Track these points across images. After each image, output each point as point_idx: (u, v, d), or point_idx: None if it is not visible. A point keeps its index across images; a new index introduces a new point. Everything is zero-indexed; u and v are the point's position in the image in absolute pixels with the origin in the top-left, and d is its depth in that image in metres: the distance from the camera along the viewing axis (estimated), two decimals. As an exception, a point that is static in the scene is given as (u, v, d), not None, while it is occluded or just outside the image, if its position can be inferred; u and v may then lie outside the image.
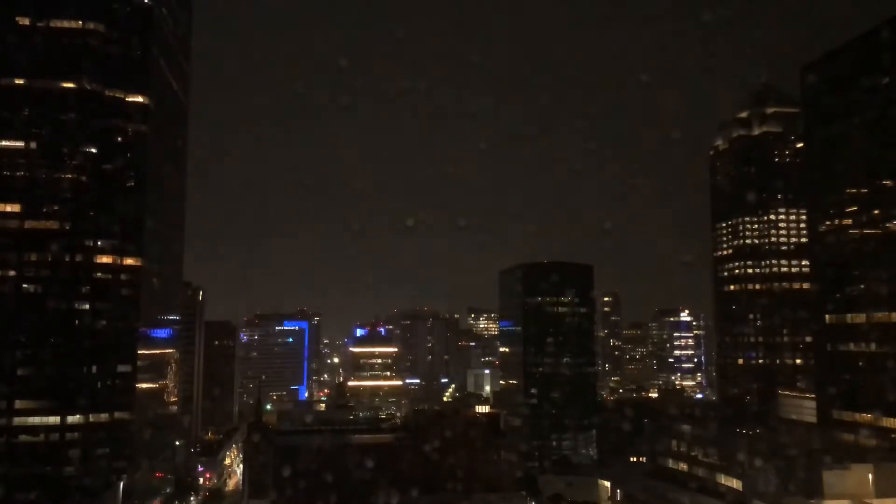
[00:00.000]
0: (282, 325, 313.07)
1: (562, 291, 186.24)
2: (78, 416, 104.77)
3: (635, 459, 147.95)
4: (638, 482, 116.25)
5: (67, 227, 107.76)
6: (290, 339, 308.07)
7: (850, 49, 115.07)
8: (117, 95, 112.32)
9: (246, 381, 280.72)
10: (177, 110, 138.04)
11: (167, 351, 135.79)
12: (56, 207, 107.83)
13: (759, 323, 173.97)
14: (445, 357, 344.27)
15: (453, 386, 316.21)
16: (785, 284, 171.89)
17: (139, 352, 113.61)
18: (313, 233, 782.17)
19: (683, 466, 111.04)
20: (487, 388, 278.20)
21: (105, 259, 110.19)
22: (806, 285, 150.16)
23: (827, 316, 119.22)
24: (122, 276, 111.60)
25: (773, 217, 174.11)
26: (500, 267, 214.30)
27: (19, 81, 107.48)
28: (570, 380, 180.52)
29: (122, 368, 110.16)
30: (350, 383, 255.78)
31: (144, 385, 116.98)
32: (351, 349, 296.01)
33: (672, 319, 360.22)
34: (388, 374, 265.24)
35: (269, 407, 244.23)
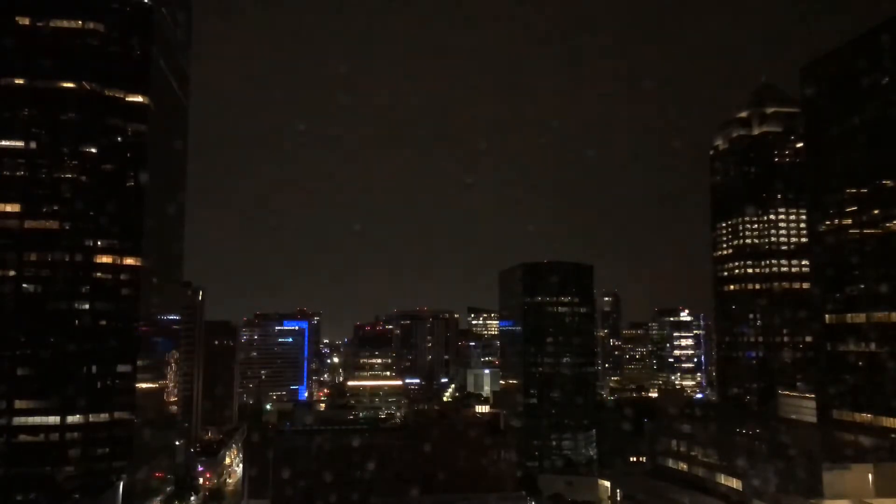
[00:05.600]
0: (282, 325, 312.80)
1: (562, 291, 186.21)
2: (78, 416, 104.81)
3: (635, 459, 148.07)
4: (638, 482, 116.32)
5: (67, 227, 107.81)
6: (290, 339, 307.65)
7: (850, 49, 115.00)
8: (117, 95, 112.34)
9: (246, 381, 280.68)
10: (177, 110, 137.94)
11: (167, 351, 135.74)
12: (56, 207, 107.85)
13: (759, 323, 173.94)
14: (445, 357, 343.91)
15: (453, 386, 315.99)
16: (785, 284, 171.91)
17: (139, 352, 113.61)
18: (313, 233, 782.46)
19: (683, 466, 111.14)
20: (487, 388, 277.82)
21: (105, 259, 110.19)
22: (806, 285, 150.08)
23: (827, 316, 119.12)
24: (122, 276, 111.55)
25: (773, 217, 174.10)
26: (500, 267, 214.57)
27: (19, 81, 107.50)
28: (570, 380, 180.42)
29: (122, 368, 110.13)
30: (350, 383, 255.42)
31: (144, 385, 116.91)
32: (351, 349, 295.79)
33: (672, 319, 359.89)
34: (388, 374, 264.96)
35: (269, 407, 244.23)
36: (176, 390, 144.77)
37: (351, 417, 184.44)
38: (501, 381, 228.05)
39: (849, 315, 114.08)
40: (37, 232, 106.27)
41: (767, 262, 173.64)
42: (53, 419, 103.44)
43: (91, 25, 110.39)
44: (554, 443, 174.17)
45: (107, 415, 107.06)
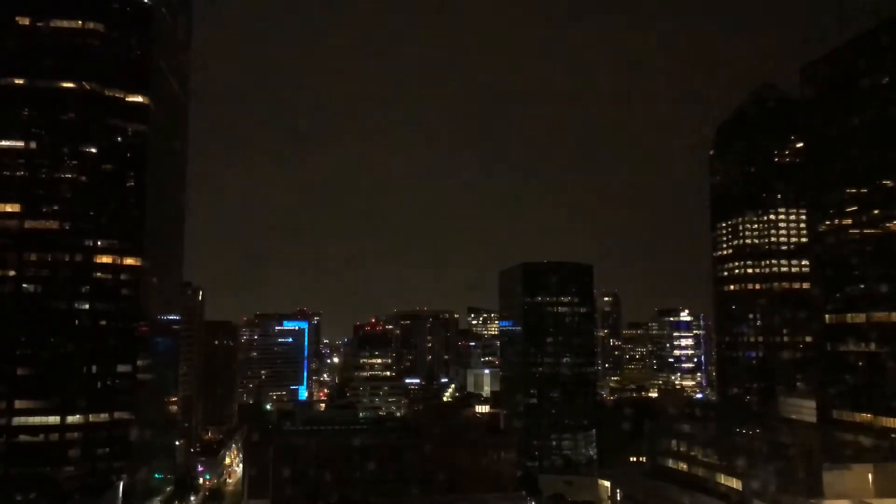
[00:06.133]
0: (282, 325, 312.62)
1: (562, 291, 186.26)
2: (78, 416, 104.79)
3: (635, 459, 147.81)
4: (638, 482, 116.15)
5: (67, 227, 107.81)
6: (290, 339, 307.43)
7: (850, 49, 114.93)
8: (117, 95, 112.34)
9: (246, 381, 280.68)
10: (177, 110, 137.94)
11: (167, 351, 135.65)
12: (56, 207, 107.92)
13: (758, 323, 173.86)
14: (445, 357, 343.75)
15: (453, 386, 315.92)
16: (785, 284, 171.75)
17: (139, 352, 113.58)
18: (313, 233, 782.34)
19: (683, 466, 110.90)
20: (487, 388, 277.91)
21: (105, 259, 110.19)
22: (806, 285, 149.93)
23: (827, 316, 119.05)
24: (122, 276, 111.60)
25: (773, 217, 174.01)
26: (500, 267, 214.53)
27: (19, 81, 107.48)
28: (570, 380, 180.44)
29: (122, 368, 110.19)
30: (350, 383, 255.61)
31: (144, 385, 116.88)
32: (351, 349, 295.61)
33: (672, 319, 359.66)
34: (388, 374, 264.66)
35: (269, 407, 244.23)
36: (176, 390, 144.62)
37: (351, 417, 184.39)
38: (501, 381, 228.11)
39: (849, 315, 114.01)
40: (37, 232, 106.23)
41: (767, 262, 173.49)
42: (53, 419, 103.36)
43: (91, 25, 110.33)
44: (554, 443, 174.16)
45: (107, 415, 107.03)
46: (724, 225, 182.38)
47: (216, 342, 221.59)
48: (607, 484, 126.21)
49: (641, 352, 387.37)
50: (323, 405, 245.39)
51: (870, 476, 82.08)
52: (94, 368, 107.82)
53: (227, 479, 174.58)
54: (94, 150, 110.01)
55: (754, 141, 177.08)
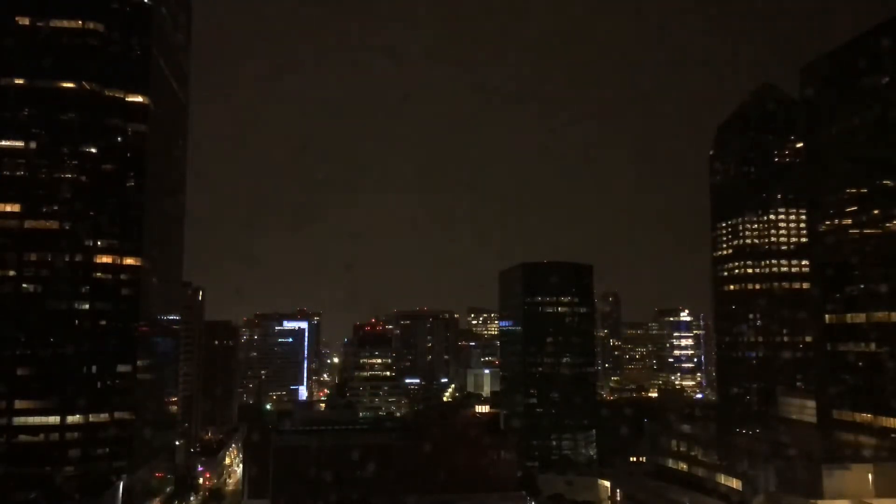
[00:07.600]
0: (282, 325, 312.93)
1: (562, 291, 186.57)
2: (78, 416, 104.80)
3: (635, 459, 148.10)
4: (638, 482, 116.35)
5: (67, 227, 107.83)
6: (290, 339, 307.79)
7: (850, 49, 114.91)
8: (117, 95, 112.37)
9: (246, 381, 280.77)
10: (177, 110, 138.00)
11: (167, 351, 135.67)
12: (56, 207, 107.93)
13: (758, 323, 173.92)
14: (445, 357, 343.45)
15: (453, 386, 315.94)
16: (785, 284, 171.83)
17: (139, 352, 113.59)
18: (313, 232, 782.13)
19: (683, 466, 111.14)
20: (487, 388, 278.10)
21: (105, 259, 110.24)
22: (806, 285, 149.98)
23: (827, 316, 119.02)
24: (122, 276, 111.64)
25: (773, 217, 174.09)
26: (500, 267, 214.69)
27: (19, 81, 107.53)
28: (570, 380, 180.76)
29: (122, 368, 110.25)
30: (350, 383, 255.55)
31: (144, 385, 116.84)
32: (351, 349, 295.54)
33: (672, 319, 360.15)
34: (388, 374, 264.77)
35: (269, 407, 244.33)
36: (176, 390, 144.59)
37: (351, 417, 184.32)
38: (501, 381, 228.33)
39: (849, 315, 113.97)
40: (37, 232, 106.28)
41: (767, 262, 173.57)
42: (53, 419, 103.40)
43: (91, 25, 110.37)
44: (554, 443, 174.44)
45: (107, 415, 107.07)
46: (724, 225, 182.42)
47: (216, 342, 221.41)
48: (607, 484, 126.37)
49: (641, 352, 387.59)
50: (323, 405, 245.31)
51: (870, 476, 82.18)
52: (94, 368, 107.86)
53: (227, 479, 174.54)
54: (94, 150, 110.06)
55: (754, 141, 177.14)
